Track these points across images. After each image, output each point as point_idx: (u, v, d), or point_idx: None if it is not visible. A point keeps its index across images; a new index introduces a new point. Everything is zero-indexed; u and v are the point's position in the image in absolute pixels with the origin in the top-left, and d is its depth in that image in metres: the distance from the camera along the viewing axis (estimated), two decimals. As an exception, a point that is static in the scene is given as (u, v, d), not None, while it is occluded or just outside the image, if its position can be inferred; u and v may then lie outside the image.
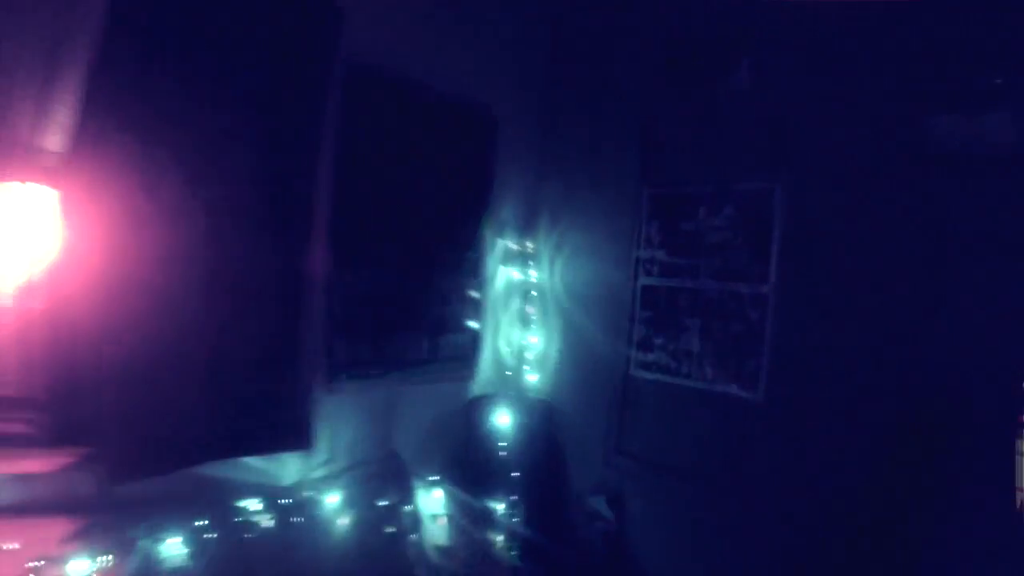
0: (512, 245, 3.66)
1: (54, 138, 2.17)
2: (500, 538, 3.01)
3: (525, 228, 3.71)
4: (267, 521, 2.41)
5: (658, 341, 3.16)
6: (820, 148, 2.72)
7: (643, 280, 3.24)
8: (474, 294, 3.49)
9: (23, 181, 2.18)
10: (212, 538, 2.23)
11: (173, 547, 2.16)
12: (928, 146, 2.42)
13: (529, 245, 3.69)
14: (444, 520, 2.92)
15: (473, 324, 3.48)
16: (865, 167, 2.59)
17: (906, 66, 2.51)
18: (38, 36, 2.11)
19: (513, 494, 3.22)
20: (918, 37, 2.48)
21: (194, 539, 2.20)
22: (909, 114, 2.47)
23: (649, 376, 3.19)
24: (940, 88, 2.41)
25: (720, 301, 2.97)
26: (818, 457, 2.64)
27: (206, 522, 2.25)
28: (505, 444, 3.31)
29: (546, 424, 3.45)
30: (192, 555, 2.18)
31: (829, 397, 2.63)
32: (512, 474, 3.27)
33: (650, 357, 3.19)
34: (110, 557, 2.01)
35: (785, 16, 2.82)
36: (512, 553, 2.99)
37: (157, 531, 2.14)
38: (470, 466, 3.24)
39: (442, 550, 2.82)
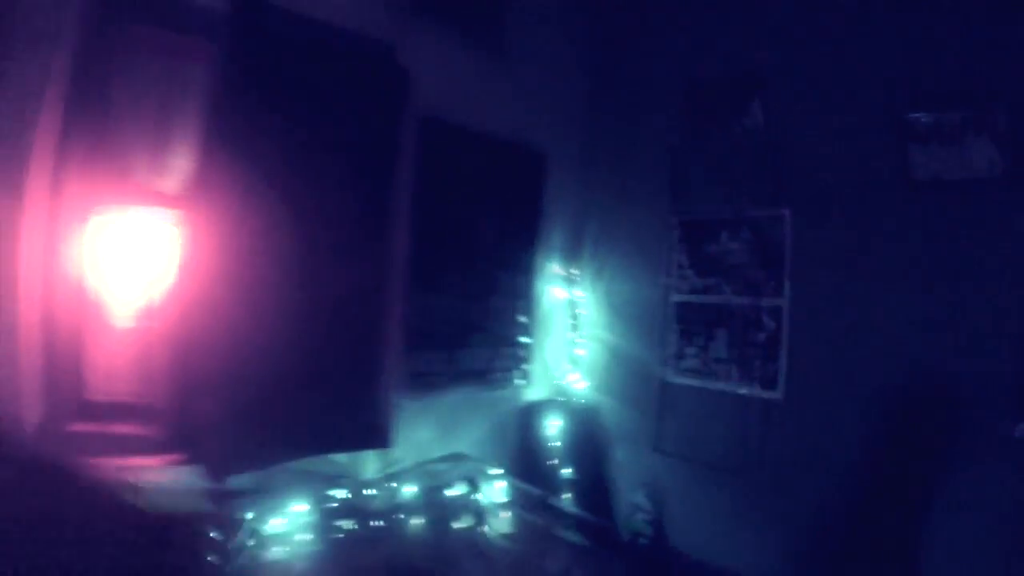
0: (559, 268, 4.00)
1: (171, 176, 2.54)
2: (559, 523, 3.30)
3: (571, 253, 4.05)
4: (352, 510, 2.63)
5: (690, 350, 3.48)
6: (821, 177, 3.05)
7: (675, 297, 3.57)
8: (527, 312, 3.82)
9: (143, 212, 2.53)
10: (309, 521, 2.49)
11: (277, 526, 2.42)
12: (911, 172, 2.75)
13: (574, 268, 4.03)
14: (507, 509, 3.15)
15: (526, 339, 3.82)
16: (859, 192, 2.92)
17: (892, 101, 2.82)
18: (154, 91, 2.56)
19: (565, 488, 3.54)
20: (903, 75, 2.81)
21: (294, 520, 2.46)
22: (895, 145, 2.79)
23: (683, 381, 3.50)
24: (920, 121, 2.73)
25: (742, 313, 3.29)
26: (831, 446, 2.93)
27: (303, 507, 2.51)
28: (556, 444, 3.63)
29: (592, 426, 3.76)
30: (294, 533, 2.44)
31: (839, 394, 2.93)
32: (563, 471, 3.59)
33: (683, 364, 3.50)
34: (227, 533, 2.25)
35: (788, 62, 3.18)
36: (572, 535, 3.26)
37: (263, 514, 2.40)
38: (526, 463, 3.57)
39: (506, 535, 3.01)
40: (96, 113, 2.49)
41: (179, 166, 2.57)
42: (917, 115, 2.75)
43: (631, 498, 3.59)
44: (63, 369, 2.50)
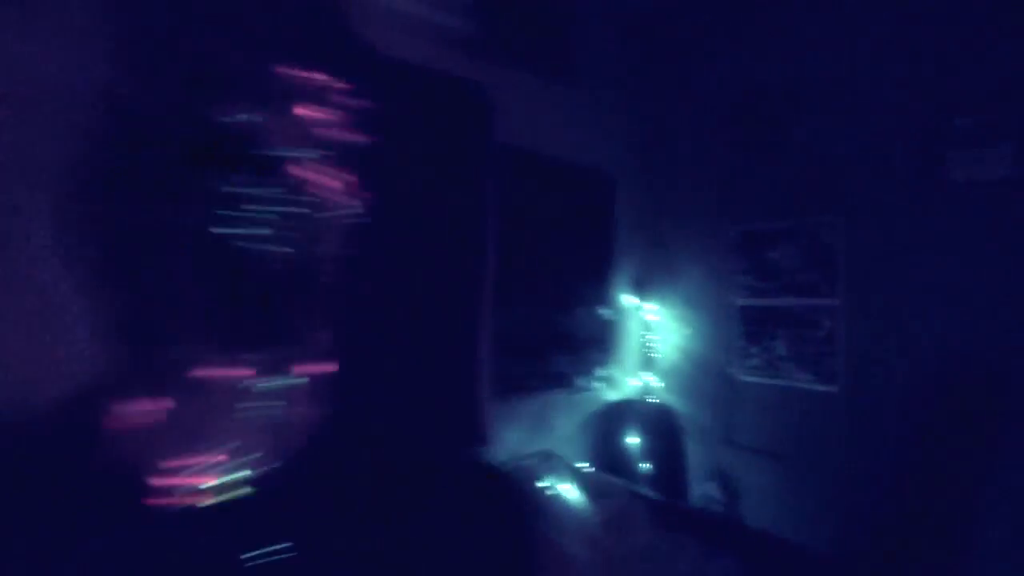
0: (633, 279, 4.30)
1: None
2: (642, 508, 3.40)
3: (642, 264, 4.35)
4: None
5: (754, 350, 3.73)
6: (867, 184, 3.26)
7: (739, 301, 3.83)
8: (605, 320, 4.13)
9: None
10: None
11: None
12: (946, 175, 2.96)
13: (646, 278, 4.33)
14: (594, 497, 3.29)
15: (605, 345, 4.13)
16: (902, 197, 3.12)
17: (929, 109, 3.04)
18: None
19: (644, 481, 3.79)
20: (938, 83, 3.02)
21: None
22: (933, 151, 3.01)
23: (749, 379, 3.74)
24: (953, 127, 2.95)
25: (801, 314, 3.52)
26: (887, 433, 3.12)
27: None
28: (634, 441, 3.89)
29: (666, 423, 4.00)
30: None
31: (893, 384, 3.12)
32: (641, 465, 3.85)
33: (749, 363, 3.75)
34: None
35: (835, 76, 3.41)
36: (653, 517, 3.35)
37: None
38: (607, 458, 3.85)
39: (595, 523, 3.11)
40: None
41: None
42: (954, 119, 2.96)
43: (704, 489, 3.84)
44: None
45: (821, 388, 3.42)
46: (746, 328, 3.81)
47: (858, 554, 3.13)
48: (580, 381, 4.00)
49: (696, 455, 4.01)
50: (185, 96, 1.91)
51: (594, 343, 4.10)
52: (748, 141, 3.84)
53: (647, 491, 3.54)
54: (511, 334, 3.52)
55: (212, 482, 2.12)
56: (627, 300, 4.31)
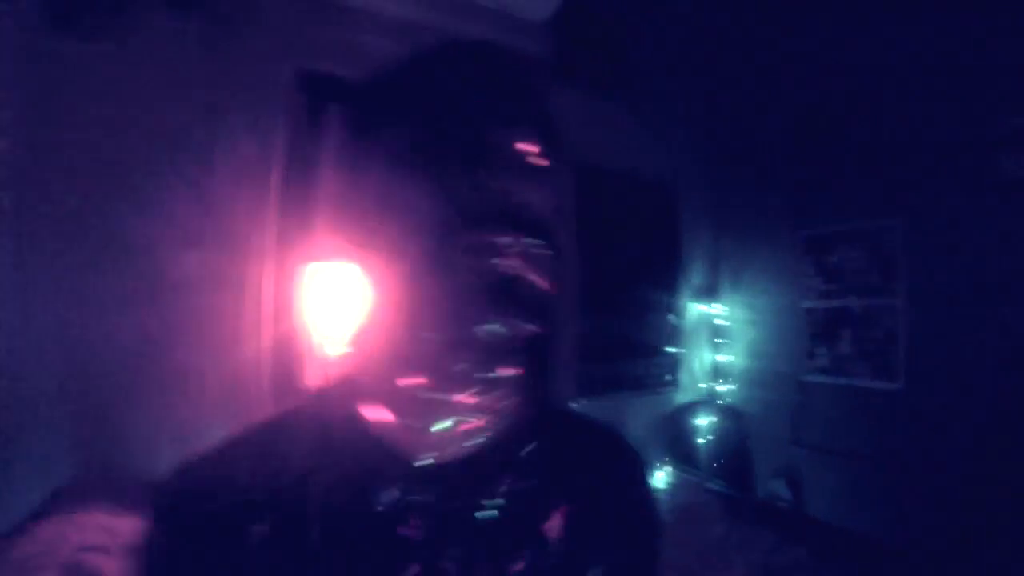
0: (702, 285, 4.47)
1: (357, 232, 3.31)
2: (715, 500, 3.60)
3: (710, 271, 4.52)
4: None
5: (819, 350, 3.83)
6: (924, 188, 3.35)
7: (804, 303, 3.94)
8: (676, 325, 4.32)
9: (345, 264, 3.21)
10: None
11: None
12: (1002, 175, 3.05)
13: (714, 284, 4.50)
14: (670, 490, 3.61)
15: (677, 348, 4.32)
16: (960, 197, 3.20)
17: (983, 110, 3.12)
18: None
19: (715, 479, 3.96)
20: (993, 84, 3.10)
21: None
22: (988, 151, 3.09)
23: (814, 379, 3.84)
24: (1008, 126, 3.04)
25: (863, 315, 3.62)
26: (950, 429, 3.18)
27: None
28: (705, 440, 4.06)
29: (735, 423, 4.16)
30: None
31: (955, 382, 3.18)
32: (711, 463, 4.02)
33: (814, 363, 3.85)
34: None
35: (891, 84, 3.52)
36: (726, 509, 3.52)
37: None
38: (680, 456, 4.01)
39: (671, 510, 3.30)
40: (304, 183, 3.16)
41: (362, 222, 3.27)
42: (1009, 119, 3.05)
43: (771, 486, 3.96)
44: (282, 389, 3.10)
45: (884, 386, 3.51)
46: (811, 329, 3.92)
47: (923, 545, 3.20)
48: (654, 382, 4.22)
49: (763, 453, 4.13)
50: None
51: (665, 347, 4.29)
52: (809, 148, 3.95)
53: (718, 486, 3.70)
54: (591, 338, 3.77)
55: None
56: (696, 305, 4.47)
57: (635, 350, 4.13)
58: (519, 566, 0.65)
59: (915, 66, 3.42)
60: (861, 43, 3.68)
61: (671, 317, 4.34)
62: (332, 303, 3.03)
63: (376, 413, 0.68)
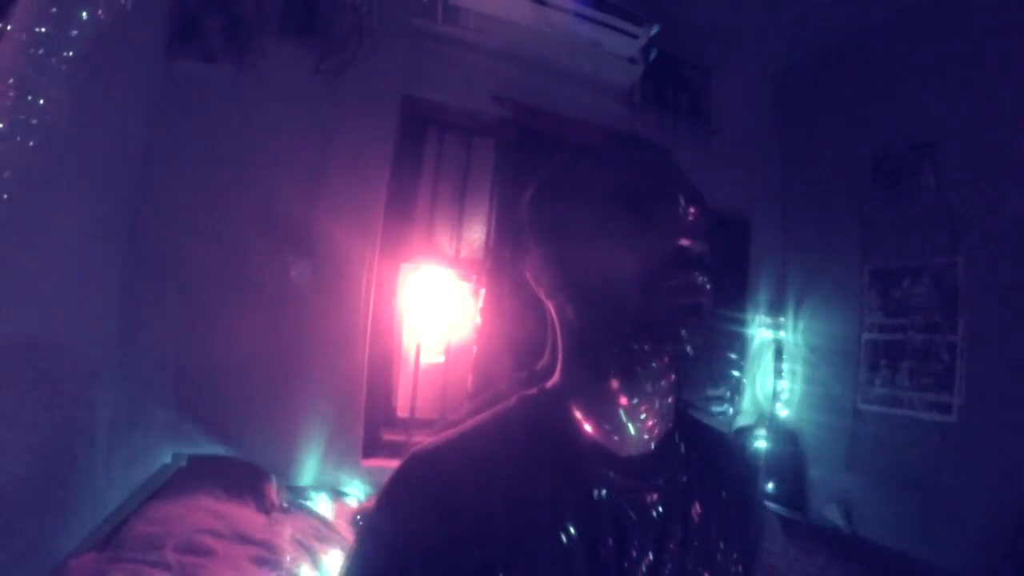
0: (766, 313, 4.63)
1: (466, 241, 3.54)
2: (772, 522, 3.65)
3: (775, 299, 4.67)
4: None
5: (877, 380, 3.94)
6: (986, 228, 3.47)
7: (865, 336, 4.07)
8: (739, 351, 4.51)
9: (444, 270, 3.36)
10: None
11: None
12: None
13: (778, 312, 4.64)
14: None
15: (739, 373, 4.51)
16: (1018, 239, 3.32)
17: None
18: (451, 178, 3.61)
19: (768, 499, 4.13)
20: None
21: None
22: None
23: (872, 408, 3.95)
24: None
25: (923, 348, 3.72)
26: (1004, 463, 3.26)
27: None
28: (761, 463, 4.20)
29: (792, 448, 4.28)
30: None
31: (1011, 417, 3.26)
32: (767, 485, 4.19)
33: (872, 393, 3.96)
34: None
35: (955, 127, 3.65)
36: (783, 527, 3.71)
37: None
38: None
39: None
40: (409, 195, 3.48)
41: (472, 235, 3.54)
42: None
43: (825, 511, 4.06)
44: (380, 391, 3.40)
45: (941, 419, 3.60)
46: (871, 360, 4.04)
47: (972, 569, 3.30)
48: (716, 405, 4.41)
49: (818, 479, 4.23)
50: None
51: (730, 371, 4.50)
52: (877, 187, 4.10)
53: (775, 506, 3.85)
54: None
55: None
56: (761, 332, 4.64)
57: (700, 373, 4.29)
58: (673, 545, 0.83)
59: (981, 116, 3.55)
60: (930, 93, 3.83)
61: (736, 342, 4.54)
62: (431, 309, 3.25)
63: (585, 413, 0.86)
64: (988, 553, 3.29)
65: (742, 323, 4.55)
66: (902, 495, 3.73)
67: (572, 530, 0.76)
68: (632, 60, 3.99)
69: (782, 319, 4.66)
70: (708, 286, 0.83)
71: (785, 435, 4.38)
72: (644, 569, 0.79)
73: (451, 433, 0.84)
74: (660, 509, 0.83)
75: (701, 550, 0.85)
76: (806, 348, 4.50)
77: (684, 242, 0.82)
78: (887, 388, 3.93)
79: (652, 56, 4.05)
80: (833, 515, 4.00)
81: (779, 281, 4.74)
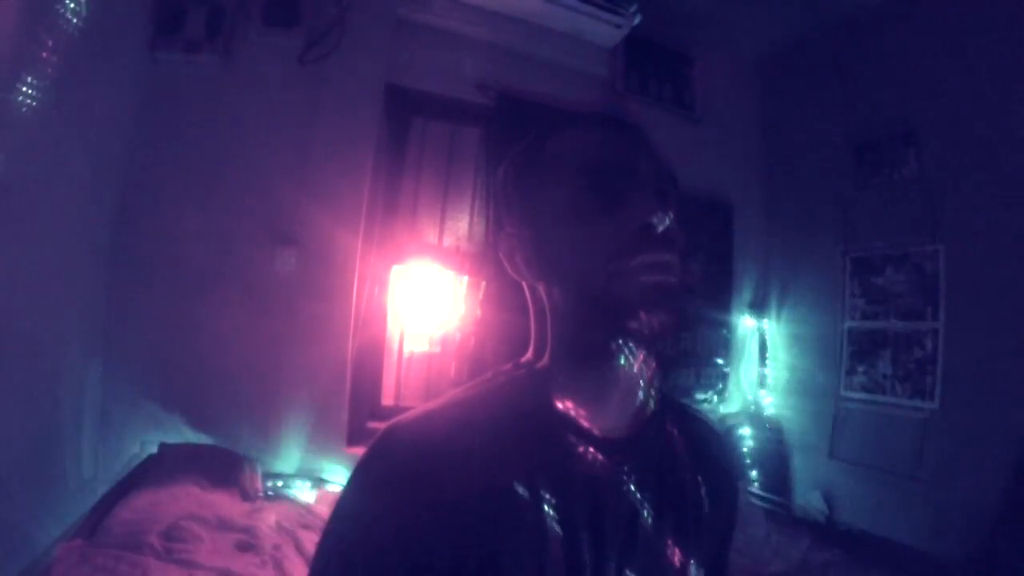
0: (749, 301, 4.66)
1: (452, 234, 3.55)
2: (757, 504, 3.84)
3: (758, 288, 4.69)
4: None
5: (860, 368, 3.97)
6: (967, 216, 3.50)
7: (847, 324, 4.10)
8: (724, 339, 4.54)
9: (432, 264, 3.41)
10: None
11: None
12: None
13: (762, 300, 4.67)
14: None
15: (723, 361, 4.53)
16: (1000, 226, 3.34)
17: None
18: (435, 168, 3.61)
19: (753, 487, 4.17)
20: None
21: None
22: None
23: (854, 396, 3.99)
24: None
25: (904, 336, 3.76)
26: (985, 448, 3.29)
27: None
28: (746, 450, 4.26)
29: (776, 436, 4.32)
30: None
31: (991, 404, 3.30)
32: (751, 472, 4.23)
33: (854, 381, 4.00)
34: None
35: (937, 115, 3.68)
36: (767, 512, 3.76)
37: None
38: None
39: None
40: (393, 184, 3.48)
41: (456, 223, 3.55)
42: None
43: (808, 498, 4.09)
44: (366, 379, 3.42)
45: (922, 405, 3.64)
46: (852, 348, 4.08)
47: (953, 556, 3.33)
48: (698, 394, 4.42)
49: (801, 467, 4.28)
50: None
51: (714, 359, 4.53)
52: (858, 175, 4.13)
53: (759, 493, 3.88)
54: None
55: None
56: (744, 321, 4.68)
57: (686, 361, 4.36)
58: (647, 523, 0.83)
59: (964, 104, 3.58)
60: (913, 82, 3.86)
61: (721, 330, 4.56)
62: (421, 303, 3.26)
63: (562, 390, 0.85)
64: (969, 539, 3.32)
65: (727, 309, 4.58)
66: (884, 481, 3.77)
67: (547, 505, 0.76)
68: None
69: (766, 306, 4.70)
70: (674, 265, 0.81)
71: (769, 424, 4.43)
72: (618, 545, 0.80)
73: (428, 406, 0.84)
74: (635, 487, 0.83)
75: (675, 529, 0.86)
76: (789, 336, 4.54)
77: (651, 219, 0.81)
78: (869, 376, 3.96)
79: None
80: (816, 502, 4.04)
81: (762, 268, 4.77)
